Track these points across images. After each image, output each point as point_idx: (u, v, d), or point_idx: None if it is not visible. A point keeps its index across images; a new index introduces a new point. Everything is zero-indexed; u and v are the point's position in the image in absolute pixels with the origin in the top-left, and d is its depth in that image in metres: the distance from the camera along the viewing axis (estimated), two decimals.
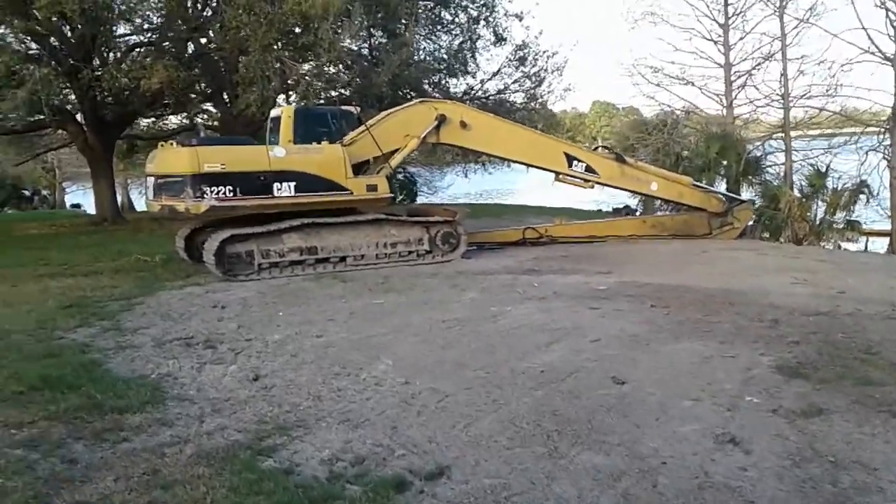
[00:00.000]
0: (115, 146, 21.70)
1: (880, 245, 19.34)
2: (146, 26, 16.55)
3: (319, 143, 12.04)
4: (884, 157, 18.22)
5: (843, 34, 18.18)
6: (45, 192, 47.06)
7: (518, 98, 27.54)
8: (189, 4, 16.38)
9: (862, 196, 19.04)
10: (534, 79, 26.87)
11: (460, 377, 6.28)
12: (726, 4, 21.89)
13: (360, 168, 12.43)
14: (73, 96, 17.03)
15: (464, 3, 23.48)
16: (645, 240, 15.31)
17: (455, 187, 37.19)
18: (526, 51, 26.18)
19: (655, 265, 12.13)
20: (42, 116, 15.69)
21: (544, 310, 8.71)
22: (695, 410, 5.48)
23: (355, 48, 15.81)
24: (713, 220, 15.98)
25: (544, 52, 26.01)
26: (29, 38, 16.04)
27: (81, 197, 46.08)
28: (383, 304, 9.22)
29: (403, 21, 18.41)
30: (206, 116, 29.15)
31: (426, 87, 21.82)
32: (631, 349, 7.06)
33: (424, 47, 21.89)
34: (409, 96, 19.84)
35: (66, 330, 7.95)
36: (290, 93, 18.03)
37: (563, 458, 4.58)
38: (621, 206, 32.49)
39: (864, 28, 17.26)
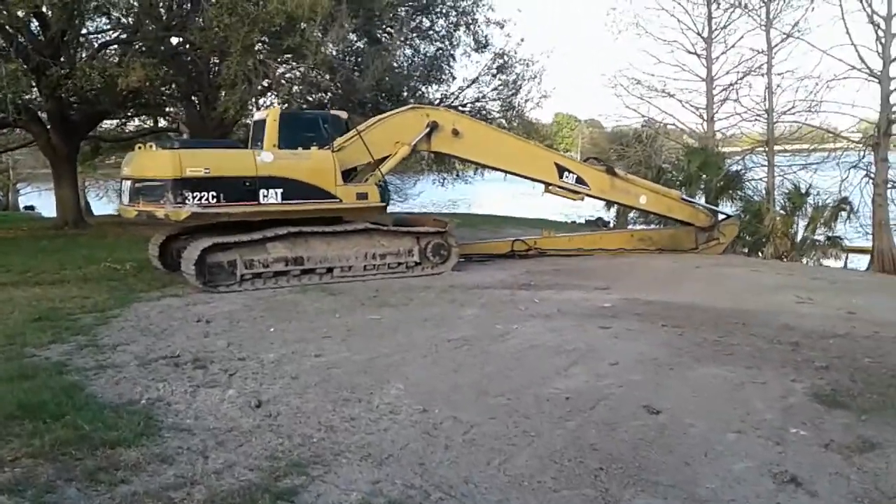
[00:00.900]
0: (79, 148, 20.72)
1: (860, 262, 19.34)
2: (121, 21, 15.73)
3: (305, 148, 11.46)
4: (866, 175, 18.20)
5: (830, 50, 18.07)
6: None
7: (495, 107, 27.21)
8: (165, 2, 15.64)
9: (842, 213, 18.99)
10: (511, 87, 26.54)
11: (481, 404, 5.79)
12: (710, 18, 21.80)
13: (346, 176, 11.88)
14: (37, 95, 16.09)
15: (444, 10, 23.02)
16: (633, 254, 14.98)
17: (423, 196, 36.68)
18: (506, 58, 25.88)
19: (652, 281, 11.79)
20: (3, 115, 14.80)
21: (553, 329, 8.26)
22: (742, 444, 5.08)
23: (339, 52, 15.22)
24: (700, 234, 15.77)
25: (523, 59, 25.74)
26: None
27: (36, 199, 44.54)
28: (380, 320, 8.68)
29: (386, 27, 17.94)
30: (169, 119, 28.31)
31: (404, 93, 21.31)
32: (654, 374, 6.66)
33: (403, 54, 21.36)
34: (386, 104, 19.39)
35: (38, 346, 7.25)
36: (271, 96, 17.42)
37: None
38: (594, 217, 32.55)
39: (853, 44, 17.25)
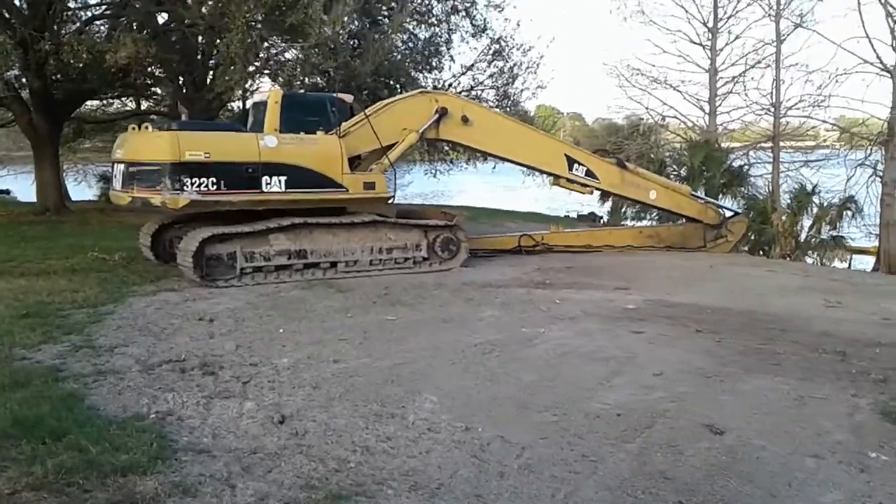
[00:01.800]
0: (62, 128, 19.82)
1: (864, 263, 19.00)
2: None
3: (308, 133, 10.79)
4: (874, 173, 17.81)
5: (842, 43, 17.60)
6: None
7: (490, 95, 26.59)
8: None
9: (847, 212, 18.62)
10: (507, 75, 25.93)
11: (527, 421, 5.24)
12: (716, 7, 21.30)
13: (351, 164, 11.23)
14: (22, 71, 15.20)
15: None
16: (642, 251, 14.49)
17: (411, 187, 35.99)
18: (502, 44, 25.27)
19: (671, 281, 11.30)
20: None
21: (582, 333, 7.73)
22: (824, 472, 4.59)
23: (340, 33, 14.52)
24: (708, 232, 15.32)
25: (520, 45, 25.13)
26: None
27: (11, 182, 43.17)
28: (397, 321, 8.10)
29: (386, 7, 17.25)
30: (153, 102, 27.37)
31: (402, 80, 20.66)
32: (705, 386, 6.15)
33: (400, 38, 20.65)
34: (384, 91, 18.72)
35: (28, 347, 6.58)
36: (268, 76, 16.68)
37: None
38: (587, 213, 32.08)
39: (867, 37, 16.79)
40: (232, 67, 13.47)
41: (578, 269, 12.00)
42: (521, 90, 26.22)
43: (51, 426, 4.50)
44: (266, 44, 13.14)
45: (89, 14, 15.87)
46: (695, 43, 21.90)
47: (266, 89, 14.46)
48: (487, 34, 25.02)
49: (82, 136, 26.00)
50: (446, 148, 24.72)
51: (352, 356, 6.72)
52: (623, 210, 26.53)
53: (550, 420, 5.28)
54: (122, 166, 10.25)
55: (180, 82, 19.05)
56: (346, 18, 13.94)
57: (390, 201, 11.43)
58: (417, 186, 35.19)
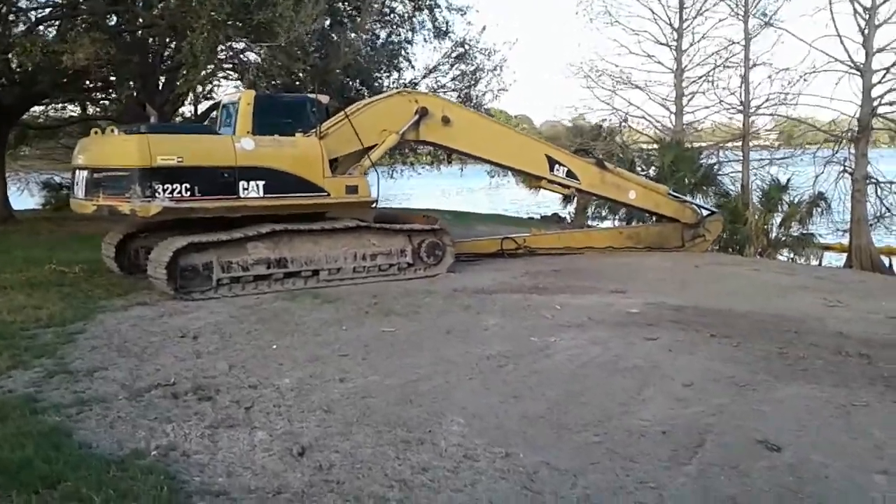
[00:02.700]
0: (7, 134, 18.72)
1: (834, 260, 19.11)
2: None
3: (282, 135, 10.17)
4: (844, 170, 17.89)
5: (812, 41, 17.66)
6: None
7: (452, 97, 26.14)
8: None
9: (817, 209, 18.69)
10: (470, 77, 25.53)
11: (568, 443, 4.79)
12: (681, 7, 21.24)
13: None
14: None
15: None
16: (621, 253, 14.20)
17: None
18: (466, 47, 24.87)
19: (663, 283, 11.01)
20: None
21: (595, 341, 7.32)
22: None
23: (310, 34, 13.88)
24: (686, 231, 15.12)
25: (485, 49, 24.78)
26: None
27: None
28: (396, 333, 7.57)
29: (350, 8, 16.69)
30: (100, 107, 26.23)
31: (367, 81, 20.09)
32: (740, 396, 5.79)
33: (361, 39, 20.04)
34: (351, 91, 18.15)
35: None
36: (233, 77, 15.93)
37: None
38: (550, 213, 31.90)
39: (839, 35, 16.84)
40: (194, 68, 12.73)
41: (567, 273, 11.61)
42: (484, 93, 25.87)
43: (41, 471, 3.88)
44: (231, 43, 12.41)
45: (40, 14, 14.85)
46: (661, 43, 21.81)
47: (231, 90, 13.78)
48: (450, 37, 24.64)
49: (25, 142, 24.65)
50: (406, 150, 24.28)
51: (358, 373, 6.18)
52: (588, 211, 26.56)
53: (593, 441, 4.84)
54: (84, 173, 9.49)
55: (131, 86, 18.18)
56: (319, 16, 13.30)
57: (374, 205, 10.88)
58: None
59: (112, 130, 9.52)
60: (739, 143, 19.98)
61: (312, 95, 11.19)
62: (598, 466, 4.45)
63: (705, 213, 15.73)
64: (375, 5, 18.22)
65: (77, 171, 9.75)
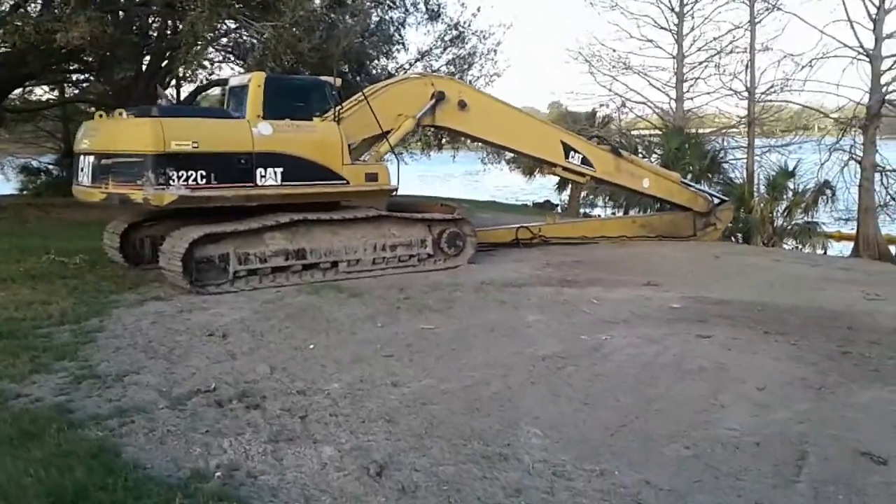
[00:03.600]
0: None
1: (839, 249, 18.91)
2: None
3: (293, 119, 9.63)
4: (851, 157, 17.66)
5: (820, 26, 17.35)
6: None
7: None
8: None
9: (822, 197, 18.45)
10: (463, 62, 25.01)
11: (661, 458, 4.42)
12: None
13: None
14: None
15: None
16: (636, 242, 13.86)
17: None
18: (460, 29, 24.36)
19: (692, 274, 10.70)
20: None
21: (648, 339, 6.95)
22: None
23: (315, 11, 13.31)
24: (697, 220, 14.82)
25: (479, 32, 24.30)
26: None
27: None
28: (437, 331, 7.14)
29: None
30: (79, 89, 25.41)
31: (365, 63, 19.54)
32: (820, 401, 5.48)
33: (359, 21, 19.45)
34: (348, 74, 17.58)
35: (17, 380, 5.36)
36: (233, 58, 15.31)
37: None
38: (542, 201, 31.58)
39: (849, 20, 16.53)
40: (196, 48, 12.11)
41: (590, 264, 11.23)
42: (478, 77, 25.36)
43: (99, 501, 3.40)
44: (228, 24, 11.79)
45: None
46: (661, 28, 21.41)
47: (238, 73, 13.18)
48: (442, 19, 24.11)
49: (2, 125, 23.73)
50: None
51: (409, 377, 5.75)
52: (581, 198, 26.26)
53: (686, 455, 4.47)
54: (91, 158, 8.90)
55: (125, 67, 17.40)
56: None
57: (394, 194, 10.40)
58: None
59: (120, 113, 8.92)
60: (744, 129, 19.62)
61: (323, 77, 10.67)
62: (702, 486, 4.07)
63: (716, 201, 15.44)
64: None
65: (82, 157, 9.16)
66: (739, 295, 9.13)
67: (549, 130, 13.01)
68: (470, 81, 25.64)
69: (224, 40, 14.05)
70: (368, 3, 16.76)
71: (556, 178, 28.18)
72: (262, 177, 9.01)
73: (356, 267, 9.77)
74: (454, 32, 24.54)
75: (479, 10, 25.07)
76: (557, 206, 29.61)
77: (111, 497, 3.46)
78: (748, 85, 19.09)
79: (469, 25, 24.38)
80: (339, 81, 10.67)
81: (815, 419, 5.07)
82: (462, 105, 11.52)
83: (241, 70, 14.77)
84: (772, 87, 18.81)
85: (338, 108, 9.81)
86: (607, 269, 10.87)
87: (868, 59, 16.85)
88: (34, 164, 30.31)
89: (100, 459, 3.94)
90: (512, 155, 28.81)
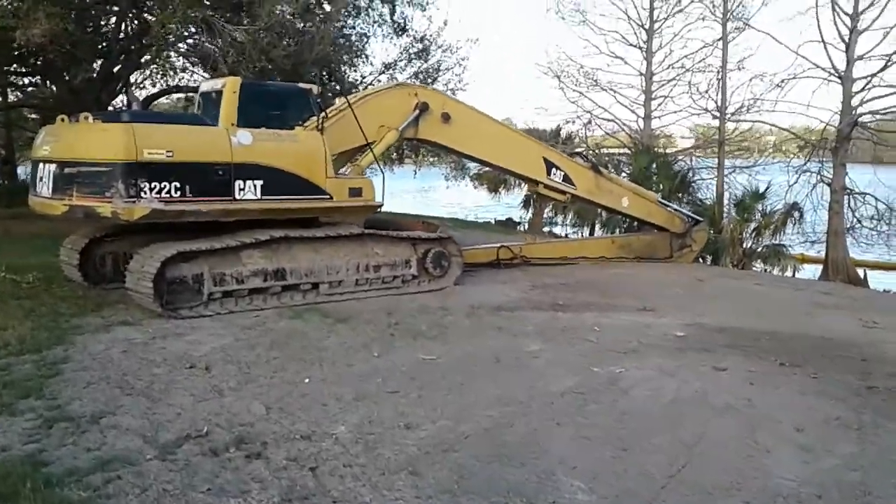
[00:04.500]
0: None
1: (807, 272, 18.98)
2: None
3: (269, 127, 8.99)
4: (821, 180, 17.73)
5: (789, 47, 17.39)
6: None
7: None
8: None
9: (790, 219, 18.50)
10: (430, 75, 24.60)
11: None
12: (652, 9, 20.82)
13: None
14: None
15: None
16: (614, 262, 13.57)
17: None
18: (426, 42, 23.97)
19: (683, 299, 10.41)
20: None
21: (664, 371, 6.55)
22: None
23: (292, 14, 12.71)
24: (674, 241, 14.61)
25: (447, 46, 23.93)
26: None
27: None
28: (438, 362, 6.61)
29: None
30: (21, 95, 24.15)
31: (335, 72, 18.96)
32: (867, 444, 5.16)
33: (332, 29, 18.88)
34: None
35: None
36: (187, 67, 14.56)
37: None
38: (504, 219, 31.23)
39: (823, 42, 16.60)
40: (160, 52, 11.38)
41: (577, 287, 10.83)
42: (443, 91, 24.96)
43: None
44: (205, 25, 11.10)
45: None
46: (631, 45, 21.35)
47: (202, 79, 12.48)
48: (408, 33, 23.70)
49: None
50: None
51: (421, 417, 5.21)
52: (544, 216, 26.00)
53: None
54: (51, 166, 8.14)
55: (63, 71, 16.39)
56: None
57: (378, 210, 9.84)
58: None
59: (87, 118, 8.17)
60: (713, 149, 19.60)
61: (301, 85, 10.07)
62: None
63: (691, 222, 15.26)
64: None
65: (41, 165, 8.37)
66: (737, 322, 8.82)
67: (532, 145, 12.61)
68: None
69: (183, 46, 13.24)
70: (333, 10, 16.11)
71: (521, 196, 28.50)
72: (240, 190, 8.37)
73: (338, 289, 9.18)
74: (419, 45, 24.17)
75: (445, 23, 24.64)
76: (519, 223, 29.31)
77: None
78: (719, 104, 19.07)
79: (435, 39, 24.04)
80: (317, 89, 10.09)
81: (866, 465, 4.71)
82: (446, 118, 11.05)
83: (206, 76, 14.01)
84: (741, 106, 18.81)
85: (321, 116, 9.19)
86: (596, 292, 10.48)
87: (840, 81, 16.94)
88: None
89: None
90: (476, 171, 28.60)
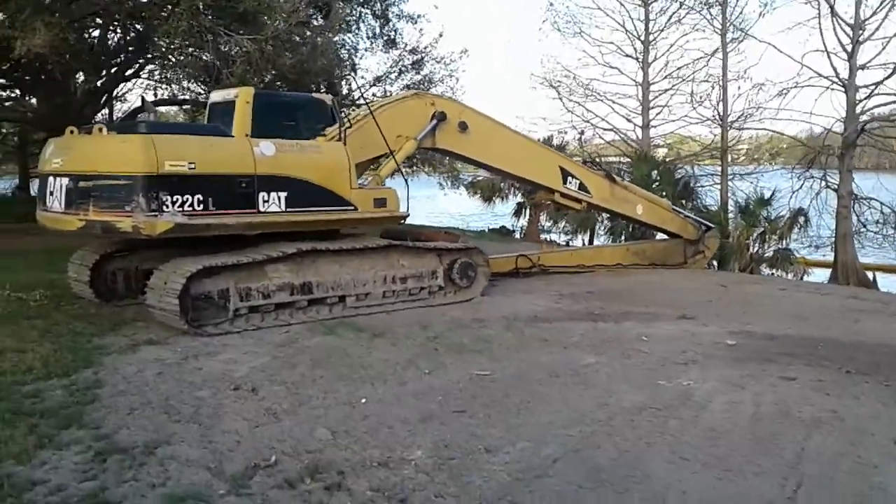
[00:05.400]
0: None
1: (815, 276, 18.87)
2: None
3: (283, 138, 8.57)
4: (827, 185, 17.64)
5: (792, 56, 17.32)
6: None
7: None
8: None
9: (796, 224, 18.42)
10: (418, 87, 24.31)
11: None
12: (647, 20, 20.70)
13: None
14: None
15: None
16: (631, 270, 13.31)
17: None
18: (419, 54, 23.73)
19: (717, 305, 10.14)
20: None
21: (732, 383, 6.23)
22: None
23: (297, 24, 12.32)
24: (688, 247, 14.40)
25: (441, 58, 23.71)
26: None
27: None
28: (494, 377, 6.23)
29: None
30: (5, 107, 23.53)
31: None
32: None
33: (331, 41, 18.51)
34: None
35: (24, 461, 4.18)
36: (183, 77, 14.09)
37: None
38: (498, 227, 30.95)
39: (826, 51, 16.54)
40: (170, 61, 10.94)
41: (605, 296, 10.52)
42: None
43: None
44: (211, 35, 10.69)
45: None
46: (627, 55, 21.21)
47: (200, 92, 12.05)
48: (398, 46, 23.44)
49: None
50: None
51: (498, 439, 4.83)
52: (540, 224, 25.82)
53: None
54: (64, 180, 7.66)
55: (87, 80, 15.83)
56: (304, 7, 11.79)
57: (404, 221, 9.47)
58: None
59: (100, 130, 7.71)
60: (717, 157, 19.48)
61: (316, 95, 9.71)
62: None
63: (704, 228, 15.06)
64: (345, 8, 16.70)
65: (51, 178, 7.90)
66: (782, 329, 8.56)
67: (548, 155, 12.35)
68: None
69: (183, 57, 12.79)
70: (340, 26, 15.77)
71: (513, 204, 28.26)
72: (264, 202, 7.96)
73: (365, 301, 8.79)
74: (412, 57, 23.91)
75: (441, 35, 24.42)
76: (512, 231, 29.05)
77: None
78: (721, 113, 18.95)
79: (428, 51, 23.79)
80: (330, 98, 9.70)
81: None
82: (463, 127, 10.73)
83: (204, 89, 13.58)
84: (742, 115, 18.71)
85: (343, 127, 8.82)
86: (626, 300, 10.17)
87: (843, 89, 16.87)
88: None
89: None
90: (471, 180, 28.32)
